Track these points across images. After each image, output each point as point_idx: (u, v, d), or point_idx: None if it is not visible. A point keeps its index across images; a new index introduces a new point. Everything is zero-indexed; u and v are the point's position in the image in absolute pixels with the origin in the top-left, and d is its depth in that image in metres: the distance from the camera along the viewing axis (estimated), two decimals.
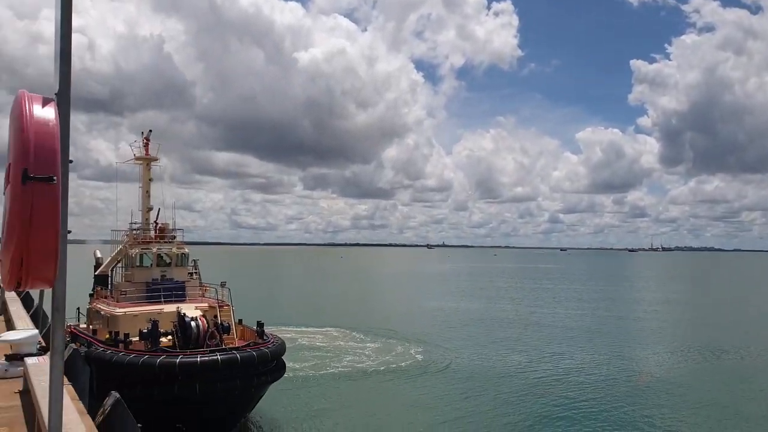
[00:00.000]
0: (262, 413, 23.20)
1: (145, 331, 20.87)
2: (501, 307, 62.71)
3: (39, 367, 5.76)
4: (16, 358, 6.96)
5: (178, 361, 18.18)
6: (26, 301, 15.14)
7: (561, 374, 30.06)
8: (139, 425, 6.04)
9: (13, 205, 2.27)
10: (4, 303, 12.49)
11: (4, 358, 7.06)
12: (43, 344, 7.68)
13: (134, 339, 21.27)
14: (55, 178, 2.33)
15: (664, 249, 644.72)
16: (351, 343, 38.14)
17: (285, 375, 22.14)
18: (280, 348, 21.31)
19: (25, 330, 7.35)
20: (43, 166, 2.31)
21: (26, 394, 5.98)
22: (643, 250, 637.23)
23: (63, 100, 2.59)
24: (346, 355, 34.24)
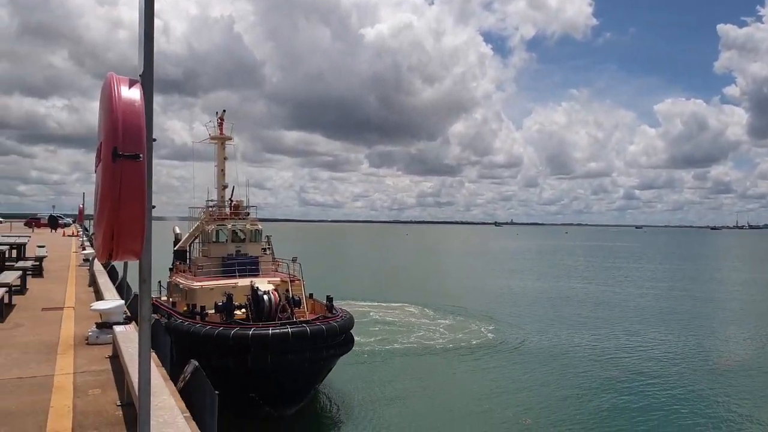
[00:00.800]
0: (332, 385, 23.79)
1: (220, 304, 21.69)
2: (572, 286, 61.23)
3: (126, 335, 6.14)
4: (105, 326, 7.43)
5: (250, 333, 18.79)
6: (112, 275, 16.12)
7: (635, 359, 29.12)
8: (216, 392, 6.32)
9: (104, 182, 2.40)
10: (93, 275, 13.36)
11: (95, 326, 7.55)
12: (128, 314, 8.16)
13: (210, 311, 22.06)
14: (141, 155, 2.44)
15: (751, 227, 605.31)
16: (420, 319, 38.31)
17: (354, 349, 22.62)
18: (349, 322, 21.59)
19: (112, 300, 7.82)
20: (130, 144, 2.42)
21: (115, 359, 6.39)
22: (727, 227, 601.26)
23: (147, 80, 2.70)
24: (415, 330, 34.42)
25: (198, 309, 21.87)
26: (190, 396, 6.42)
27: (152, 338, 7.46)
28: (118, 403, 4.93)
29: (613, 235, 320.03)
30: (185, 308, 23.29)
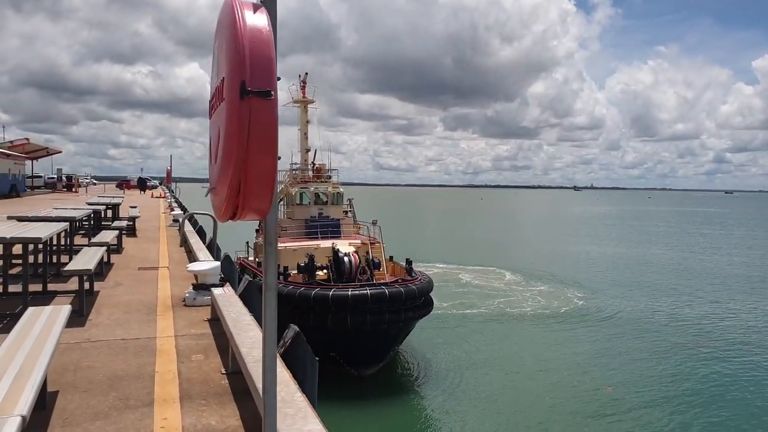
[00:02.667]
0: (413, 347, 23.79)
1: (303, 264, 22.31)
2: (657, 253, 58.35)
3: (226, 298, 5.93)
4: (201, 287, 7.31)
5: (330, 293, 19.32)
6: (200, 235, 16.35)
7: (722, 330, 27.32)
8: (317, 359, 6.12)
9: (230, 126, 1.96)
10: (185, 236, 13.53)
11: (191, 288, 7.45)
12: (223, 275, 8.03)
13: (293, 272, 22.99)
14: (272, 92, 1.98)
15: None
16: (500, 283, 37.63)
17: (434, 312, 22.49)
18: (428, 285, 21.72)
19: (207, 262, 7.70)
20: (260, 78, 1.97)
21: (214, 322, 6.23)
22: None
23: (271, 6, 2.24)
24: (495, 295, 33.87)
25: (281, 269, 22.64)
26: (289, 362, 6.21)
27: (248, 299, 7.32)
28: (223, 371, 4.69)
29: (700, 201, 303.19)
30: None
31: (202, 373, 4.62)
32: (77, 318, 6.28)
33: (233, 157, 2.00)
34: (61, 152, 64.65)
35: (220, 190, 2.19)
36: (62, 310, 4.22)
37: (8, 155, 46.12)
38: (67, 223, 8.04)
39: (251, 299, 8.66)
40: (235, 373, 4.55)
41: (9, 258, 7.06)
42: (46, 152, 58.93)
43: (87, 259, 6.94)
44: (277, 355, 4.82)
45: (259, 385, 3.45)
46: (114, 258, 11.13)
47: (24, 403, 3.10)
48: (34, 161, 62.37)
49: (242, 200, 2.11)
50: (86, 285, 7.00)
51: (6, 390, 3.31)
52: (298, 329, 6.27)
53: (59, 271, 8.55)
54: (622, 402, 18.36)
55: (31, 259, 8.88)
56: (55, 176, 66.28)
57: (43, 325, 4.01)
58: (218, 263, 7.56)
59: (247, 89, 1.94)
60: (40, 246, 8.08)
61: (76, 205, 13.90)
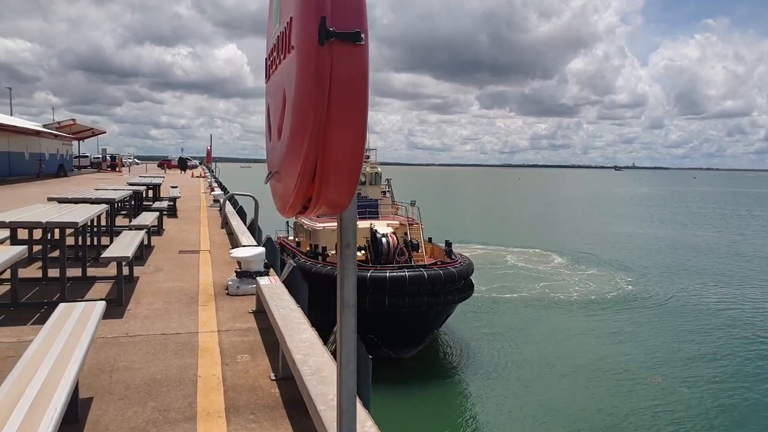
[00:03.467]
0: (453, 330, 23.31)
1: None
2: (706, 235, 56.12)
3: (272, 290, 5.43)
4: (245, 275, 6.86)
5: (368, 275, 18.92)
6: (240, 216, 16.02)
7: None
8: (370, 357, 5.66)
9: (304, 83, 1.36)
10: (226, 217, 13.16)
11: (234, 275, 7.00)
12: (267, 261, 7.56)
13: (332, 252, 22.76)
14: (363, 35, 1.38)
15: None
16: (543, 266, 36.64)
17: (474, 294, 21.97)
18: (468, 268, 21.18)
19: (251, 248, 7.22)
20: (347, 15, 1.36)
21: (260, 315, 5.75)
22: None
23: None
24: (538, 278, 32.96)
25: (320, 250, 22.61)
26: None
27: (292, 286, 6.83)
28: (273, 376, 4.18)
29: (751, 181, 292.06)
30: (308, 248, 24.03)
31: (249, 379, 4.11)
32: (115, 308, 5.88)
33: (308, 127, 1.40)
34: (105, 132, 65.69)
35: (285, 175, 1.61)
36: (96, 307, 3.76)
37: (56, 136, 46.96)
38: (107, 206, 7.67)
39: (296, 286, 8.19)
40: (286, 379, 4.04)
41: (46, 242, 6.73)
42: (92, 133, 59.91)
43: (126, 244, 6.54)
44: (323, 349, 4.31)
45: (320, 406, 2.91)
46: (155, 240, 10.82)
47: (49, 422, 2.64)
48: (81, 141, 63.57)
49: (317, 188, 1.53)
50: (125, 271, 6.61)
51: (31, 402, 2.87)
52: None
53: (99, 254, 8.25)
54: (672, 393, 17.54)
55: (73, 241, 8.61)
56: (100, 156, 67.57)
57: (75, 324, 3.56)
58: (262, 249, 7.07)
59: (329, 30, 1.34)
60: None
61: (117, 186, 13.68)
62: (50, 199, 8.47)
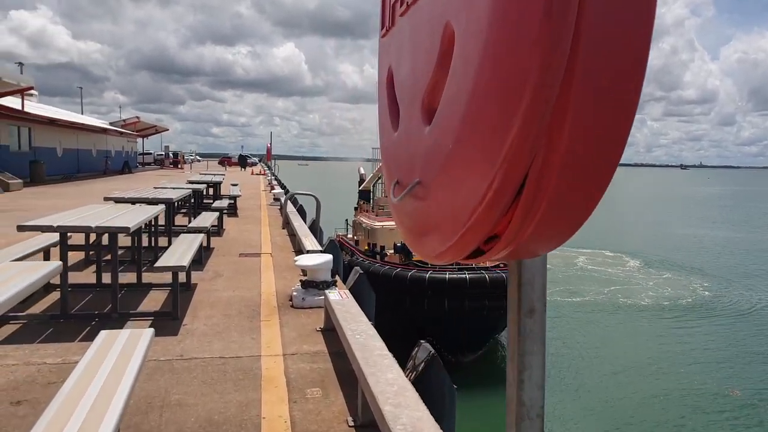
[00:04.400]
0: None
1: (399, 245, 21.42)
2: None
3: (345, 308, 4.71)
4: (310, 284, 6.19)
5: (427, 276, 18.37)
6: (300, 214, 15.51)
7: None
8: (455, 387, 4.96)
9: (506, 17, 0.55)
10: (287, 217, 12.61)
11: (299, 284, 6.34)
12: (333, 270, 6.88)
13: (390, 252, 22.29)
14: None
15: None
16: (613, 269, 34.93)
17: None
18: None
19: (317, 255, 6.54)
20: None
21: (330, 334, 5.05)
22: None
23: None
24: (608, 282, 31.43)
25: (378, 249, 22.42)
26: (422, 390, 4.98)
27: (357, 293, 6.12)
28: (350, 421, 3.44)
29: None
30: (366, 247, 23.85)
31: (322, 424, 3.39)
32: (170, 323, 5.31)
33: (522, 93, 0.61)
34: (168, 130, 67.28)
35: (445, 188, 0.84)
36: (142, 336, 3.12)
37: (121, 133, 48.26)
38: (163, 207, 7.16)
39: (363, 296, 7.48)
40: (367, 426, 3.30)
41: (98, 247, 6.26)
42: (155, 130, 61.44)
43: (183, 250, 5.97)
44: (406, 384, 3.56)
45: None
46: (214, 241, 10.36)
47: None
48: (145, 139, 65.39)
49: (523, 216, 0.74)
50: (182, 278, 6.06)
51: None
52: (432, 351, 5.05)
53: (156, 257, 7.80)
54: (753, 408, 16.07)
55: (130, 242, 8.19)
56: (163, 153, 69.36)
57: (118, 355, 2.92)
58: (329, 257, 6.38)
59: None
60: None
61: (177, 184, 13.37)
62: (107, 199, 8.06)
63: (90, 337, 4.75)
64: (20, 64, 62.43)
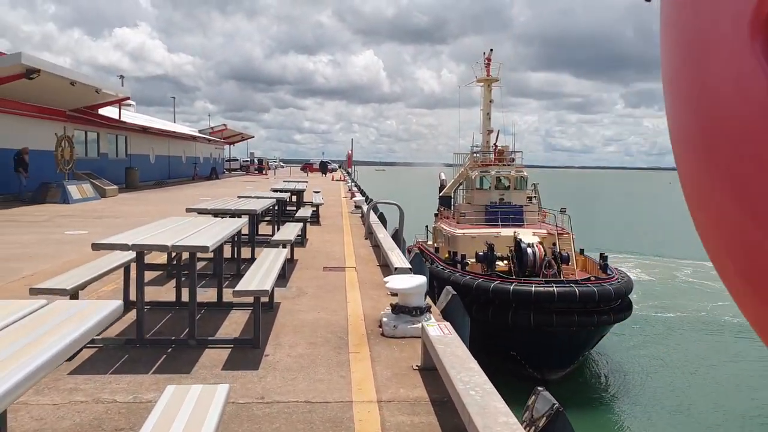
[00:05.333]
0: (603, 351, 20.98)
1: (481, 253, 20.78)
2: None
3: (449, 348, 3.99)
4: (402, 310, 5.53)
5: (511, 288, 17.66)
6: (381, 221, 14.95)
7: None
8: None
9: None
10: (370, 227, 12.07)
11: (389, 309, 5.70)
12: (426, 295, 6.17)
13: (471, 260, 21.47)
14: None
15: None
16: (710, 282, 32.37)
17: (633, 313, 19.75)
18: (627, 285, 18.97)
19: (408, 276, 5.86)
20: None
21: (429, 375, 4.35)
22: None
23: None
24: (713, 297, 29.09)
25: (459, 257, 21.49)
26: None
27: (449, 315, 5.36)
28: None
29: None
30: (447, 255, 23.02)
31: None
32: (251, 352, 4.80)
33: None
34: (253, 137, 69.32)
35: None
36: (216, 394, 2.55)
37: (209, 140, 49.96)
38: (246, 220, 6.74)
39: (456, 319, 6.76)
40: None
41: (178, 266, 5.88)
42: (241, 137, 63.34)
43: (265, 269, 5.47)
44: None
45: None
46: (298, 253, 9.94)
47: None
48: (232, 146, 67.58)
49: None
50: (264, 298, 5.57)
51: None
52: (555, 402, 4.31)
53: (239, 270, 7.42)
54: None
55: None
56: (249, 160, 71.46)
57: (187, 422, 2.36)
58: (423, 280, 5.69)
59: None
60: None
61: (261, 192, 13.16)
62: (189, 210, 7.78)
63: (166, 368, 4.30)
64: (121, 76, 66.21)
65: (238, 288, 4.69)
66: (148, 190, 28.31)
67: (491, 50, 29.06)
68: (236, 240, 8.17)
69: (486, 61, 28.84)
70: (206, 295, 6.66)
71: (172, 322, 5.63)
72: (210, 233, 5.23)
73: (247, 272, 5.36)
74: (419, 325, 5.39)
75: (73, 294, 4.49)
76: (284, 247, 7.54)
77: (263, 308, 6.05)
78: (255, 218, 8.71)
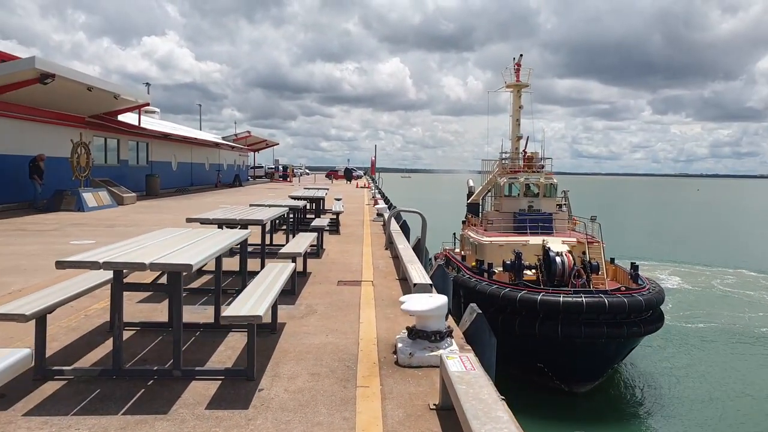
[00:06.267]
0: (633, 363, 20.39)
1: (509, 262, 20.32)
2: None
3: (470, 388, 3.28)
4: (419, 335, 4.83)
5: (539, 298, 17.26)
6: (404, 231, 14.29)
7: None
8: None
9: None
10: (390, 237, 11.39)
11: (405, 332, 5.01)
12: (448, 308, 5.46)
13: (498, 269, 20.99)
14: None
15: None
16: (756, 292, 31.09)
17: (665, 323, 19.22)
18: (658, 296, 18.41)
19: (426, 297, 5.16)
20: None
21: (448, 416, 3.65)
22: None
23: None
24: (749, 306, 27.90)
25: (486, 266, 21.02)
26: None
27: (474, 337, 4.57)
28: None
29: None
30: (474, 263, 22.54)
31: None
32: (243, 385, 4.15)
33: None
34: (278, 144, 69.24)
35: None
36: None
37: (233, 147, 49.86)
38: (249, 232, 6.11)
39: (481, 341, 6.06)
40: None
41: (159, 287, 5.23)
42: (266, 144, 63.29)
43: (264, 288, 4.83)
44: None
45: None
46: (312, 264, 9.32)
47: None
48: (257, 153, 67.65)
49: None
50: (267, 316, 4.93)
51: None
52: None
53: (244, 285, 6.78)
54: None
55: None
56: (274, 167, 71.61)
57: None
58: (443, 300, 4.98)
59: None
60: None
61: (276, 201, 12.57)
62: (190, 221, 7.18)
63: (140, 407, 3.65)
64: (147, 84, 66.89)
65: (227, 313, 4.04)
66: (168, 197, 28.06)
67: (521, 56, 28.86)
68: (243, 251, 7.56)
69: (516, 67, 28.68)
70: (204, 314, 6.05)
71: (160, 347, 5.01)
72: (201, 248, 4.61)
73: (242, 292, 4.71)
74: (439, 352, 4.70)
75: (38, 318, 3.90)
76: (294, 261, 6.91)
77: (265, 331, 5.43)
78: (264, 228, 8.08)
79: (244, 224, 7.05)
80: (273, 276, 5.38)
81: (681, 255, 43.07)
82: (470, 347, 5.42)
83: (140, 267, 3.80)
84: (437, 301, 4.96)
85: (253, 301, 4.41)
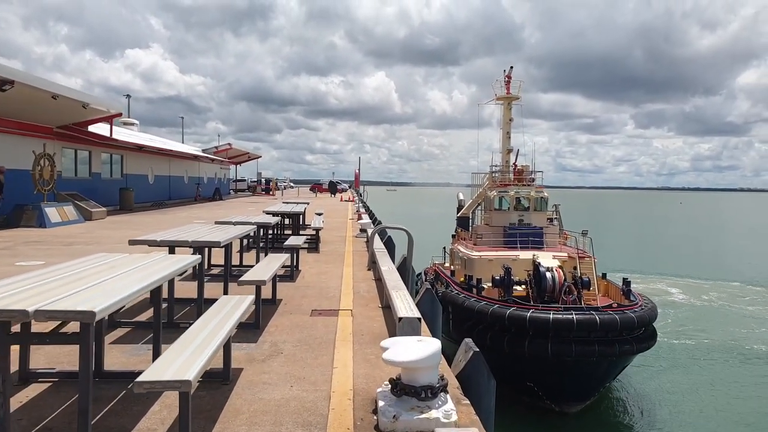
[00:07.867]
0: (626, 381, 19.76)
1: (498, 278, 19.81)
2: None
3: None
4: (407, 391, 3.82)
5: (528, 315, 16.73)
6: (388, 247, 13.35)
7: None
8: None
9: None
10: (373, 256, 10.40)
11: (387, 385, 3.99)
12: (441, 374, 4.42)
13: (487, 285, 20.46)
14: None
15: None
16: (751, 307, 30.66)
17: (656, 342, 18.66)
18: (650, 313, 17.93)
19: (415, 342, 4.14)
20: None
21: None
22: None
23: None
24: (743, 321, 27.46)
25: (475, 281, 20.41)
26: None
27: (471, 378, 3.91)
28: None
29: None
30: (463, 278, 21.95)
31: None
32: None
33: None
34: (260, 157, 68.08)
35: None
36: None
37: (213, 160, 48.64)
38: (198, 257, 5.04)
39: (479, 383, 5.09)
40: None
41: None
42: (248, 157, 62.11)
43: (207, 334, 3.79)
44: None
45: None
46: (284, 289, 8.28)
47: None
48: (239, 165, 66.33)
49: None
50: (218, 362, 3.89)
51: None
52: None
53: (200, 310, 5.74)
54: None
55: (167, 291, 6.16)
56: (256, 180, 70.39)
57: None
58: (436, 347, 3.97)
59: None
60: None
61: (246, 216, 11.51)
62: (133, 242, 6.10)
63: None
64: (128, 96, 65.38)
65: (143, 378, 2.98)
66: (143, 212, 26.81)
67: (511, 68, 28.57)
68: (200, 277, 6.51)
69: (506, 79, 28.31)
70: (143, 357, 4.97)
71: (74, 408, 3.94)
72: (124, 282, 3.56)
73: (177, 340, 3.66)
74: (431, 414, 3.70)
75: None
76: (259, 289, 5.87)
77: (215, 381, 4.38)
78: (228, 250, 7.02)
79: (198, 246, 5.99)
80: (225, 313, 4.34)
81: (669, 268, 42.73)
82: (468, 400, 4.43)
83: (22, 316, 2.75)
84: (429, 347, 3.93)
85: (189, 352, 3.37)
